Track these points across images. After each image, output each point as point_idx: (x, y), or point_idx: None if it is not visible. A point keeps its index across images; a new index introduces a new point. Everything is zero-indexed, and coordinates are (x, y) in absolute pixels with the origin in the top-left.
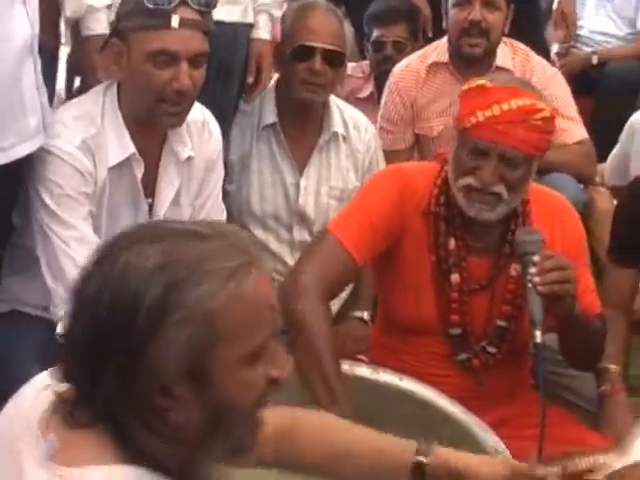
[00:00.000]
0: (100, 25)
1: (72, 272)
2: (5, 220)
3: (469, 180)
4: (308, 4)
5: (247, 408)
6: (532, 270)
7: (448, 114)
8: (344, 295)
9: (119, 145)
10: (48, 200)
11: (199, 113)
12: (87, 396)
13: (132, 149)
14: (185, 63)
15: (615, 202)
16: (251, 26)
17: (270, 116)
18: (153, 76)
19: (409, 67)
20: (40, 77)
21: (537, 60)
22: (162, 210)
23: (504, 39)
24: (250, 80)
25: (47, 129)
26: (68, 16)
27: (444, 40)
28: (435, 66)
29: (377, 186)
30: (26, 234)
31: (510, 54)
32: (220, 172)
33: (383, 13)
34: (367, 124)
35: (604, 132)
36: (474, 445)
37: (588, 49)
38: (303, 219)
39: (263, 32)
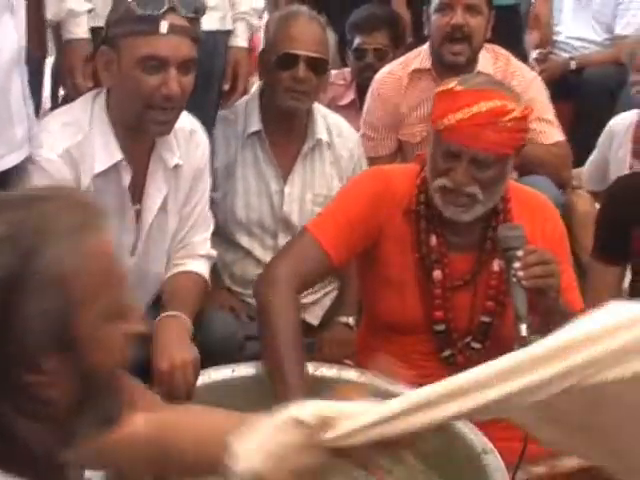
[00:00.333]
0: (81, 29)
1: None
2: None
3: (443, 181)
4: (291, 12)
5: (111, 369)
6: (516, 265)
7: (430, 120)
8: (328, 302)
9: (106, 152)
10: None
11: (187, 122)
12: None
13: (119, 156)
14: (174, 69)
15: (596, 205)
16: (229, 33)
17: (255, 124)
18: (142, 81)
19: (391, 74)
20: (27, 88)
21: (517, 65)
22: (150, 217)
23: (486, 45)
24: (226, 87)
25: (33, 139)
26: (49, 19)
27: (426, 47)
28: (417, 73)
29: (356, 187)
30: None
31: (491, 60)
32: (207, 181)
33: (364, 21)
34: (350, 131)
35: (583, 137)
36: (464, 446)
37: (566, 55)
38: (288, 226)
39: (241, 40)
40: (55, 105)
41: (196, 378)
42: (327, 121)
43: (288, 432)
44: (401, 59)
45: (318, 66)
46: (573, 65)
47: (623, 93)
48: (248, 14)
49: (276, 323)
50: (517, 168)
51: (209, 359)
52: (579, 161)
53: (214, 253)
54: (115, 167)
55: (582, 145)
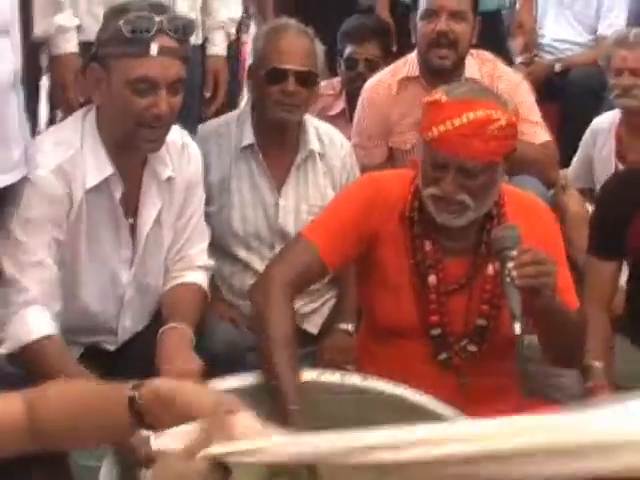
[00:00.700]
0: (70, 44)
1: (15, 300)
2: None
3: (433, 190)
4: (279, 26)
5: None
6: (510, 264)
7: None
8: (326, 310)
9: (97, 167)
10: (14, 225)
11: (178, 136)
12: None
13: (110, 170)
14: (164, 90)
15: (586, 203)
16: (202, 47)
17: (247, 137)
18: (132, 103)
19: (380, 83)
20: (22, 110)
21: (504, 69)
22: (145, 230)
23: (472, 50)
24: (207, 95)
25: (29, 160)
26: (38, 35)
27: (413, 54)
28: (406, 81)
29: (348, 194)
30: None
31: (477, 65)
32: (201, 194)
33: (355, 31)
34: (342, 140)
35: (569, 138)
36: None
37: (551, 57)
38: (284, 237)
39: (220, 49)
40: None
41: None
42: (319, 132)
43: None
44: (390, 67)
45: (307, 79)
46: (558, 67)
47: (607, 93)
48: (225, 23)
49: (270, 329)
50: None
51: (212, 369)
52: (567, 162)
53: (211, 263)
54: (106, 182)
55: (569, 145)
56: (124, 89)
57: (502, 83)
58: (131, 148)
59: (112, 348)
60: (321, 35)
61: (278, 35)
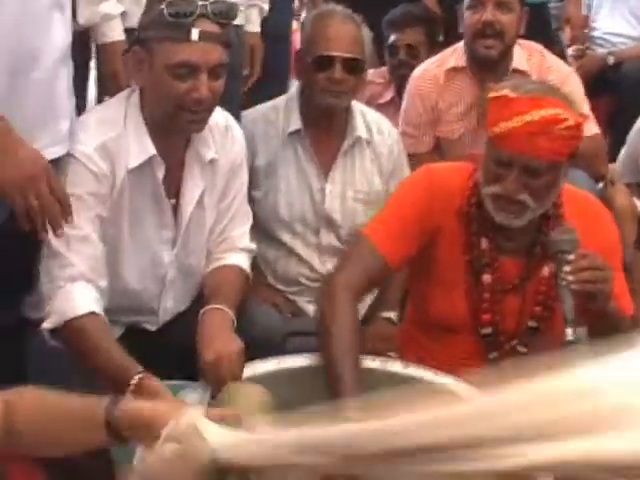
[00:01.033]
0: (117, 32)
1: (60, 274)
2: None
3: (494, 188)
4: (326, 13)
5: None
6: (566, 268)
7: (468, 117)
8: (369, 298)
9: (140, 148)
10: None
11: (222, 118)
12: None
13: (152, 151)
14: (204, 75)
15: (634, 198)
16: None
17: (295, 122)
18: (173, 87)
19: (427, 72)
20: (71, 85)
21: (552, 59)
22: (187, 211)
23: (519, 41)
24: (246, 72)
25: (71, 135)
26: (81, 24)
27: (461, 44)
28: (453, 71)
29: (408, 189)
30: None
31: (526, 56)
32: (244, 176)
33: (398, 18)
34: (390, 128)
35: (621, 132)
36: None
37: (604, 50)
38: (330, 223)
39: (254, 26)
40: None
41: (242, 369)
42: (366, 118)
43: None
44: (437, 57)
45: (354, 66)
46: (611, 60)
47: None
48: (260, 0)
49: (333, 338)
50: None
51: (252, 352)
52: (618, 156)
53: (254, 246)
54: (149, 162)
55: (620, 140)
56: (165, 73)
57: (551, 74)
58: (173, 130)
59: (153, 328)
60: (371, 22)
61: (324, 22)
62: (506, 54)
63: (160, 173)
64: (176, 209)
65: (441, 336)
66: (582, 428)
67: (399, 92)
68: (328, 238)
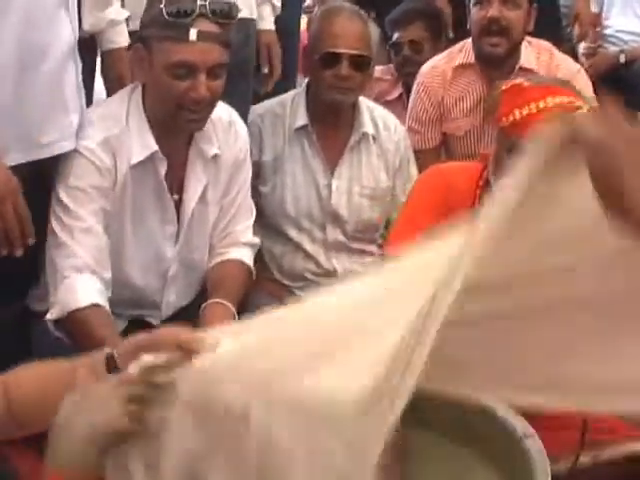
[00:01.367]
0: (123, 37)
1: (64, 264)
2: (43, 221)
3: None
4: (332, 9)
5: None
6: None
7: (475, 114)
8: None
9: (142, 144)
10: (62, 194)
11: (225, 113)
12: None
13: (154, 147)
14: (203, 75)
15: None
16: (255, 21)
17: (301, 118)
18: (172, 86)
19: (435, 69)
20: (80, 79)
21: (561, 57)
22: (190, 207)
23: (528, 39)
24: (265, 70)
25: (79, 130)
26: (86, 30)
27: (469, 41)
28: (462, 67)
29: (420, 196)
30: None
31: (534, 54)
32: (248, 171)
33: (400, 15)
34: (396, 124)
35: None
36: (504, 430)
37: (616, 48)
38: (336, 219)
39: (268, 23)
40: None
41: None
42: (373, 114)
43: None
44: (445, 53)
45: (361, 63)
46: (622, 58)
47: None
48: None
49: None
50: None
51: None
52: None
53: (257, 241)
54: (151, 158)
55: None
56: (164, 72)
57: (560, 72)
58: (174, 127)
59: (156, 322)
60: (379, 19)
61: (331, 18)
62: (513, 51)
63: (162, 169)
64: (179, 205)
65: None
66: None
67: (407, 89)
68: (334, 234)
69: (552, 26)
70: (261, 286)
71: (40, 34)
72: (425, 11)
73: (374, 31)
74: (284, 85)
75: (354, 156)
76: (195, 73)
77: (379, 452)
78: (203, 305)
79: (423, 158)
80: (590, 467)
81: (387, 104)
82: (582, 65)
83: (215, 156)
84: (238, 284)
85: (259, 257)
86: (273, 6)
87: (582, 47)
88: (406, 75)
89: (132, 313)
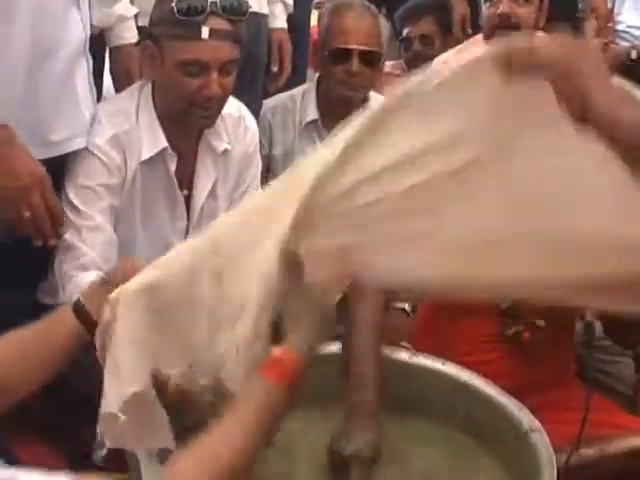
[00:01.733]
0: (132, 33)
1: (71, 263)
2: None
3: None
4: (343, 5)
5: None
6: None
7: None
8: None
9: (152, 140)
10: (71, 193)
11: (234, 108)
12: None
13: (164, 143)
14: (215, 72)
15: None
16: (266, 17)
17: (312, 113)
18: (183, 83)
19: (447, 64)
20: (92, 77)
21: None
22: (199, 202)
23: (539, 34)
24: (275, 69)
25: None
26: (94, 25)
27: (478, 37)
28: None
29: None
30: None
31: None
32: (258, 166)
33: (409, 11)
34: None
35: None
36: (511, 424)
37: (626, 44)
38: None
39: (280, 21)
40: None
41: None
42: None
43: None
44: (456, 48)
45: (371, 59)
46: (634, 54)
47: None
48: None
49: (358, 320)
50: None
51: None
52: None
53: None
54: (161, 154)
55: None
56: (175, 70)
57: None
58: (185, 123)
59: None
60: (390, 15)
61: (341, 14)
62: None
63: (172, 165)
64: (189, 200)
65: (456, 320)
66: None
67: None
68: None
69: (570, 18)
70: None
71: (51, 32)
72: (434, 5)
73: (384, 26)
74: (294, 80)
75: None
76: (207, 71)
77: None
78: None
79: None
80: (596, 460)
81: None
82: None
83: (225, 151)
84: None
85: None
86: (285, 4)
87: (594, 42)
88: (417, 70)
89: None
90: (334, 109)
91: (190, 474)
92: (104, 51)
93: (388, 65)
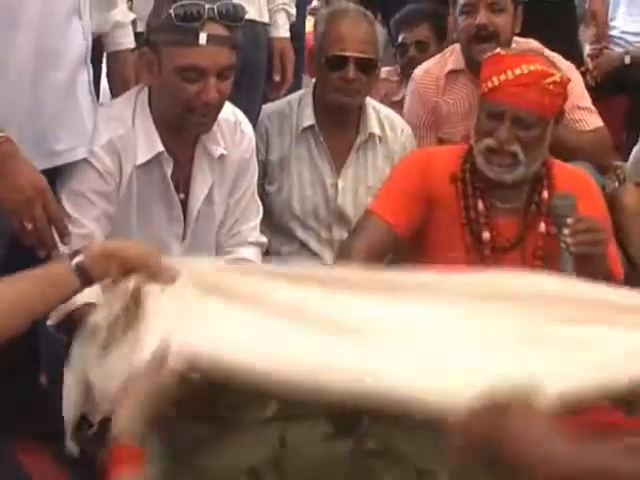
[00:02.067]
0: (129, 39)
1: None
2: None
3: (488, 141)
4: (339, 11)
5: None
6: (565, 231)
7: (470, 118)
8: None
9: (148, 145)
10: (64, 199)
11: (231, 113)
12: None
13: (160, 148)
14: (213, 78)
15: None
16: (266, 25)
17: (308, 118)
18: (181, 89)
19: (428, 73)
20: (92, 87)
21: (551, 55)
22: (196, 206)
23: (518, 39)
24: (277, 78)
25: None
26: (92, 31)
27: (456, 46)
28: (454, 73)
29: (404, 166)
30: None
31: None
32: (254, 171)
33: (405, 16)
34: (403, 125)
35: (638, 131)
36: None
37: (621, 50)
38: (342, 218)
39: (283, 30)
40: None
41: None
42: (379, 115)
43: None
44: (437, 57)
45: (367, 66)
46: (628, 59)
47: None
48: (286, 4)
49: None
50: (556, 155)
51: None
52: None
53: (264, 240)
54: (157, 158)
55: (637, 139)
56: (173, 75)
57: None
58: (182, 128)
59: None
60: (386, 20)
61: (337, 21)
62: None
63: (168, 169)
64: (185, 204)
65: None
66: None
67: None
68: (340, 233)
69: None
70: None
71: (54, 40)
72: (429, 12)
73: (381, 32)
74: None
75: (360, 156)
76: (205, 76)
77: None
78: None
79: None
80: None
81: (393, 105)
82: (587, 66)
83: (221, 156)
84: None
85: (266, 258)
86: (288, 14)
87: (587, 48)
88: (410, 76)
89: None
90: (330, 115)
91: None
92: (101, 56)
93: (384, 71)
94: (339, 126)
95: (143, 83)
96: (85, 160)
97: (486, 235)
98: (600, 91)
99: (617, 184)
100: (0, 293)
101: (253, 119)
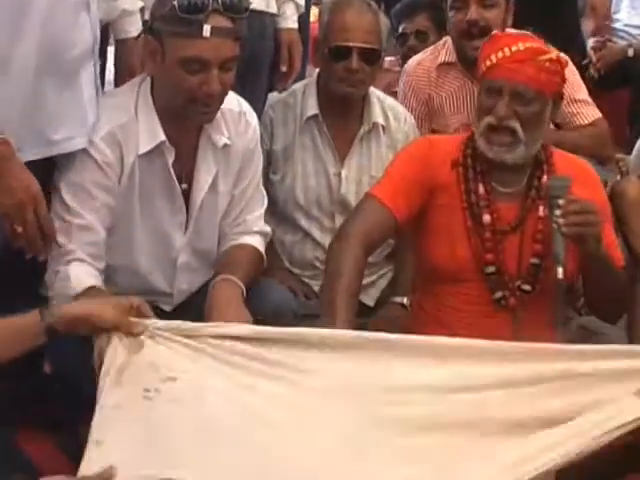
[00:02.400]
0: (135, 27)
1: (59, 260)
2: None
3: (488, 119)
4: (343, 1)
5: None
6: (557, 212)
7: (463, 111)
8: (383, 283)
9: (150, 134)
10: (63, 190)
11: (235, 103)
12: None
13: (162, 137)
14: (216, 69)
15: None
16: (274, 16)
17: (312, 108)
18: (184, 80)
19: (421, 65)
20: (98, 81)
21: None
22: (200, 196)
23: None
24: (284, 69)
25: None
26: (100, 19)
27: (448, 39)
28: (446, 66)
29: (406, 153)
30: None
31: None
32: (259, 161)
33: (405, 7)
34: (406, 115)
35: None
36: None
37: (624, 42)
38: (345, 208)
39: (291, 21)
40: None
41: None
42: (383, 105)
43: None
44: (430, 49)
45: (371, 56)
46: (631, 52)
47: None
48: None
49: (338, 269)
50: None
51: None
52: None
53: (268, 229)
54: (159, 148)
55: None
56: (176, 66)
57: None
58: (185, 118)
59: (168, 308)
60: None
61: (341, 11)
62: None
63: (170, 158)
64: (188, 194)
65: (445, 289)
66: None
67: None
68: None
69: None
70: (272, 274)
71: (61, 33)
72: (430, 3)
73: (384, 22)
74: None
75: (364, 146)
76: (208, 68)
77: None
78: (212, 282)
79: None
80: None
81: (395, 95)
82: (590, 59)
83: (225, 146)
84: (247, 264)
85: (270, 247)
86: (297, 5)
87: (591, 41)
88: None
89: (144, 299)
90: (334, 105)
91: None
92: (106, 45)
93: (386, 61)
94: (343, 116)
95: (147, 72)
96: (84, 151)
97: (486, 218)
98: (603, 84)
99: (619, 177)
100: None
101: (258, 109)
